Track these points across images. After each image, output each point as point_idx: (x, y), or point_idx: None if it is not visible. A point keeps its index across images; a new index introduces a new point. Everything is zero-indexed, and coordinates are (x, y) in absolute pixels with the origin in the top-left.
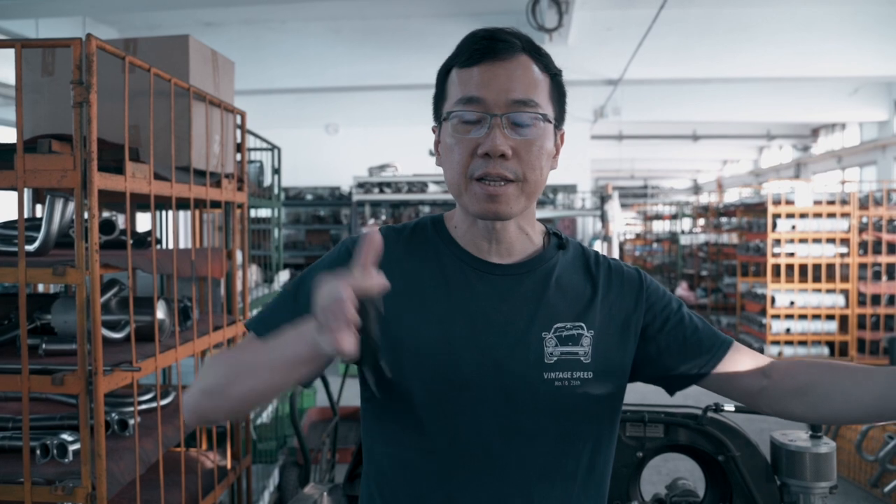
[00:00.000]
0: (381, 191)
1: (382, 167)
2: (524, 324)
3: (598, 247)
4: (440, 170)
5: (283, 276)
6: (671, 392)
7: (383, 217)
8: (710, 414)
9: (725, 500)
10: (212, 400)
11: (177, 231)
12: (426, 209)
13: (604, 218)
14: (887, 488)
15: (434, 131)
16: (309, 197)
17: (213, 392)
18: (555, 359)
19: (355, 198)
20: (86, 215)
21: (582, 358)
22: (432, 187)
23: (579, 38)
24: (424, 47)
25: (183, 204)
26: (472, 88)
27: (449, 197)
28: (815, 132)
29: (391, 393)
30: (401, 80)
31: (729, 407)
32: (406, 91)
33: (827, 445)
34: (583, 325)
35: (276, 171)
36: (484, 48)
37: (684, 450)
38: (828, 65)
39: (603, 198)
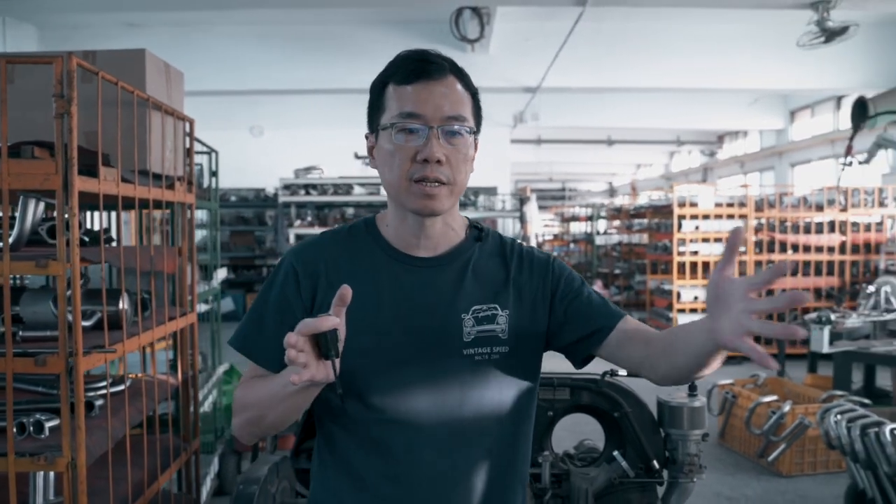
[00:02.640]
0: (307, 192)
1: (308, 169)
2: (445, 307)
3: None
4: (366, 172)
5: (221, 274)
6: (576, 363)
7: (308, 219)
8: (607, 378)
9: (621, 449)
10: (254, 427)
11: (140, 230)
12: (351, 211)
13: (522, 219)
14: (771, 457)
15: (368, 138)
16: (233, 198)
17: (252, 422)
18: (472, 336)
19: (281, 199)
20: (66, 214)
21: (499, 335)
22: (358, 189)
23: (500, 47)
24: (350, 53)
25: (130, 204)
26: (411, 104)
27: (373, 199)
28: (720, 139)
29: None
30: (327, 84)
31: (622, 372)
32: (332, 95)
33: (699, 401)
34: (497, 305)
35: (214, 174)
36: (419, 69)
37: (587, 409)
38: (730, 77)
39: (522, 200)
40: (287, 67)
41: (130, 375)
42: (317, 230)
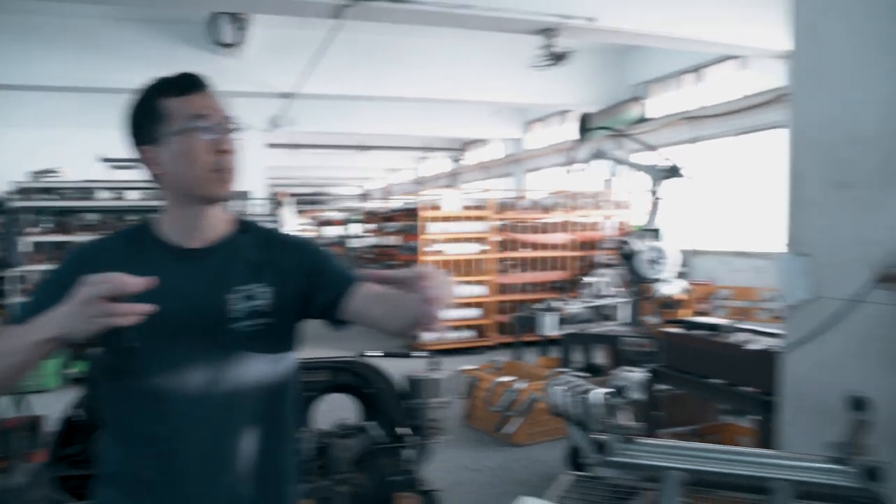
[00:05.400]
0: (47, 197)
1: (45, 172)
2: (213, 289)
3: None
4: (112, 175)
5: None
6: (333, 327)
7: (50, 225)
8: (360, 359)
9: (373, 420)
10: None
11: None
12: (95, 216)
13: (277, 224)
14: (508, 430)
15: (145, 150)
16: None
17: None
18: (239, 313)
19: (15, 204)
20: None
21: (264, 308)
22: (102, 194)
23: (257, 52)
24: (96, 50)
25: None
26: (198, 109)
27: (120, 203)
28: (466, 146)
29: (124, 357)
30: (68, 81)
31: (374, 353)
32: (75, 94)
33: (439, 374)
34: (261, 283)
35: None
36: (192, 82)
37: (344, 388)
38: (473, 90)
39: (276, 204)
40: (22, 60)
41: None
42: (60, 238)
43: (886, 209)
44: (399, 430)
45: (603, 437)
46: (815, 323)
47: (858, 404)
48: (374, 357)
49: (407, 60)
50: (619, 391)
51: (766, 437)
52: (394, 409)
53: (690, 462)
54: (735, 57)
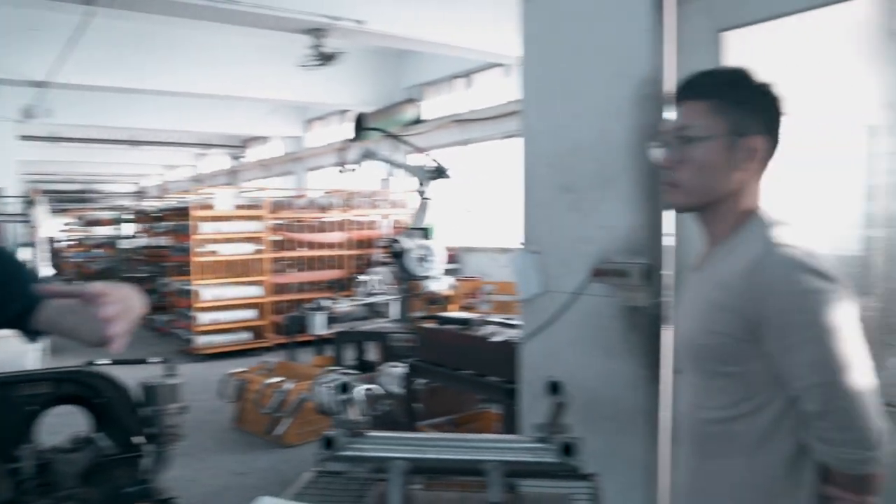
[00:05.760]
0: None
1: None
2: None
3: (24, 254)
4: None
5: None
6: (28, 336)
7: None
8: (87, 368)
9: (104, 431)
10: None
11: None
12: None
13: (31, 224)
14: (278, 431)
15: None
16: None
17: None
18: None
19: None
20: None
21: None
22: None
23: (2, 35)
24: None
25: None
26: None
27: None
28: (246, 143)
29: None
30: None
31: (103, 361)
32: None
33: (175, 379)
34: None
35: None
36: None
37: (70, 400)
38: (251, 87)
39: (30, 203)
40: None
41: None
42: None
43: (600, 211)
44: (134, 440)
45: (330, 432)
46: (546, 315)
47: (555, 388)
48: (104, 365)
49: (178, 53)
50: (345, 387)
51: (511, 423)
52: (127, 418)
53: (413, 451)
54: (500, 64)
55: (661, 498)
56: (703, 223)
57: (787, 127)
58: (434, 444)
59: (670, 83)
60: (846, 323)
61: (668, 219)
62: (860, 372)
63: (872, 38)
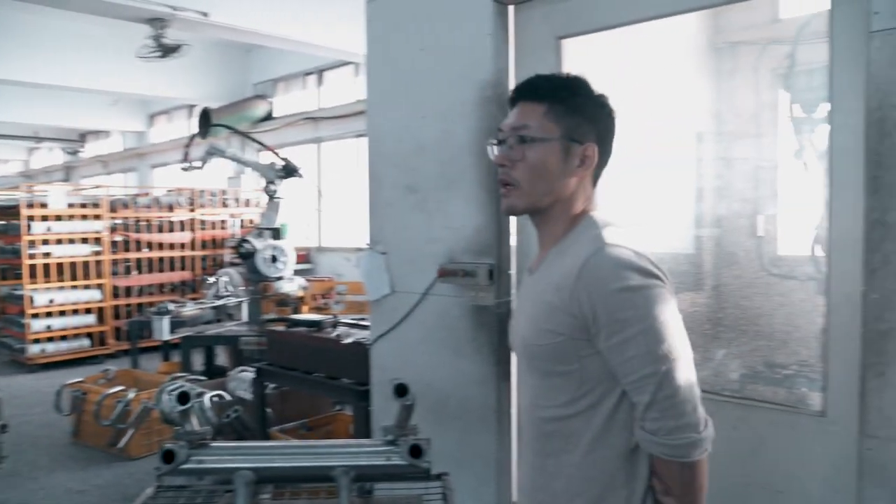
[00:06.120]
0: None
1: None
2: None
3: None
4: None
5: None
6: None
7: None
8: None
9: None
10: None
11: None
12: None
13: None
14: (121, 443)
15: None
16: None
17: None
18: None
19: None
20: None
21: None
22: None
23: None
24: None
25: None
26: None
27: None
28: (83, 137)
29: None
30: None
31: None
32: None
33: None
34: None
35: None
36: None
37: None
38: (89, 77)
39: None
40: None
41: None
42: None
43: (444, 211)
44: None
45: (170, 445)
46: (395, 315)
47: (401, 390)
48: None
49: (9, 39)
50: (184, 397)
51: (366, 425)
52: None
53: (260, 461)
54: (351, 63)
55: (514, 492)
56: (537, 226)
57: (620, 139)
58: (281, 451)
59: (512, 87)
60: (670, 317)
61: (513, 219)
62: (685, 363)
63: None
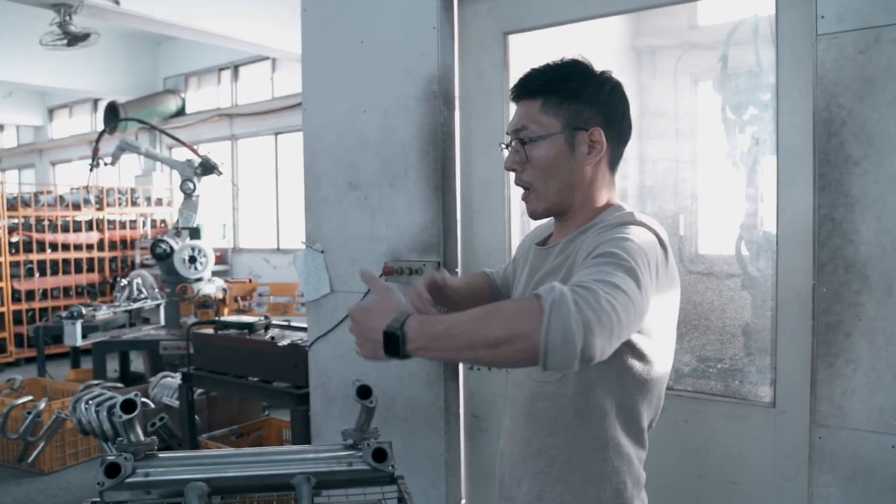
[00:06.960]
0: None
1: None
2: None
3: None
4: None
5: None
6: None
7: None
8: None
9: None
10: None
11: None
12: None
13: None
14: (31, 458)
15: None
16: None
17: None
18: None
19: None
20: None
21: None
22: None
23: None
24: None
25: None
26: None
27: None
28: None
29: None
30: None
31: None
32: None
33: None
34: None
35: None
36: None
37: None
38: None
39: None
40: None
41: None
42: None
43: (386, 209)
44: None
45: (112, 458)
46: (335, 316)
47: (364, 392)
48: None
49: None
50: (129, 405)
51: (303, 429)
52: None
53: (212, 470)
54: (268, 58)
55: (464, 491)
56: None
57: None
58: (234, 460)
59: (457, 82)
60: (655, 282)
61: (458, 217)
62: (643, 301)
63: (622, 54)
